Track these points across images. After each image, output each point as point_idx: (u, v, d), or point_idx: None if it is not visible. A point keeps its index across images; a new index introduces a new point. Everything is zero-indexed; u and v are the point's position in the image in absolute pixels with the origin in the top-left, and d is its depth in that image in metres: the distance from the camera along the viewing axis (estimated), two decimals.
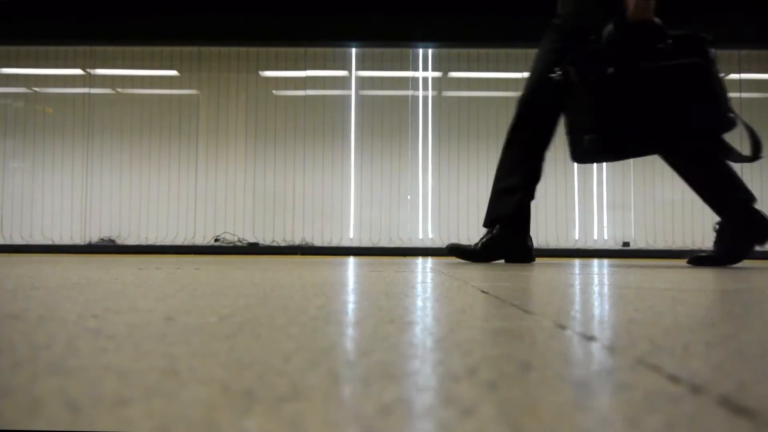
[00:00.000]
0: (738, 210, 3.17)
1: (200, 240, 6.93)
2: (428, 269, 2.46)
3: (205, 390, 0.41)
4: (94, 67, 7.21)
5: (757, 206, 3.14)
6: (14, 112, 7.20)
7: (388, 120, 7.06)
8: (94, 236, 6.95)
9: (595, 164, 6.81)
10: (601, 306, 1.03)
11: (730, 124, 2.73)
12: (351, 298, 1.14)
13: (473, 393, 0.42)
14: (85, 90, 7.19)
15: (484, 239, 3.47)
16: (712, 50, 2.78)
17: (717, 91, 2.69)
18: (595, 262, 4.12)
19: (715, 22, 6.64)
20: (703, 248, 6.60)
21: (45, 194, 7.09)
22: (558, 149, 6.87)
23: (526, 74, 7.19)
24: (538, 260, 3.72)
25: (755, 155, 2.88)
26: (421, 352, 0.57)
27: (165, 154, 7.09)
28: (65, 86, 7.19)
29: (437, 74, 7.09)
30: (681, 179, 3.41)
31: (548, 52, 3.41)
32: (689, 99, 2.69)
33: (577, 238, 6.83)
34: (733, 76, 6.94)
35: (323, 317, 0.83)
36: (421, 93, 7.09)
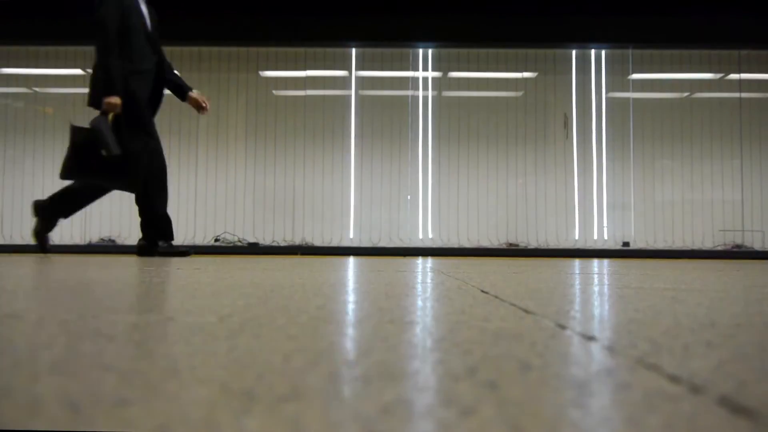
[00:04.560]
0: None
1: (200, 240, 6.92)
2: (428, 269, 2.46)
3: (205, 390, 0.41)
4: None
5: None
6: (14, 112, 7.20)
7: (388, 120, 7.06)
8: (94, 236, 6.94)
9: (594, 165, 6.83)
10: (601, 306, 1.03)
11: None
12: (351, 298, 1.14)
13: (473, 393, 0.42)
14: (85, 90, 7.18)
15: None
16: None
17: None
18: (595, 262, 4.12)
19: (716, 22, 6.64)
20: (703, 248, 6.61)
21: (45, 194, 7.07)
22: (558, 151, 6.87)
23: (526, 74, 7.18)
24: (538, 260, 3.71)
25: None
26: (421, 352, 0.57)
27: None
28: (65, 86, 7.19)
29: (437, 74, 7.09)
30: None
31: None
32: None
33: (577, 238, 6.82)
34: (733, 76, 6.94)
35: (323, 317, 0.83)
36: (421, 93, 7.09)
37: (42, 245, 4.31)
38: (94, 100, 4.11)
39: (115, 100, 3.94)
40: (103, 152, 3.84)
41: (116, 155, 3.86)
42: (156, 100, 4.37)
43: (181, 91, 4.53)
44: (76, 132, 4.02)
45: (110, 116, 3.97)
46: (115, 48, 3.97)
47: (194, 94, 4.53)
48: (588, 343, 0.65)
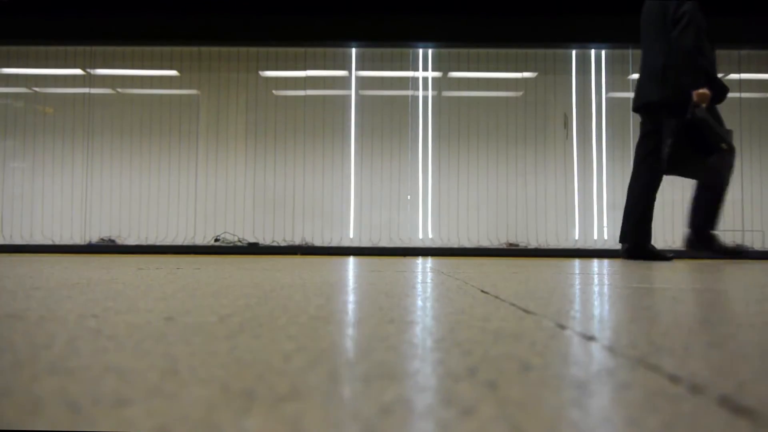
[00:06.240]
0: None
1: (200, 240, 6.93)
2: (428, 269, 2.46)
3: (205, 390, 0.41)
4: (94, 67, 7.21)
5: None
6: (14, 112, 7.20)
7: (388, 120, 7.06)
8: (94, 236, 6.95)
9: (594, 165, 6.84)
10: (601, 306, 1.03)
11: None
12: (351, 298, 1.14)
13: (473, 393, 0.42)
14: (85, 90, 7.19)
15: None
16: None
17: None
18: (595, 262, 4.12)
19: (715, 22, 6.63)
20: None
21: (45, 194, 7.08)
22: (558, 151, 6.87)
23: (526, 74, 7.19)
24: (538, 260, 3.72)
25: None
26: (422, 352, 0.57)
27: (165, 154, 7.09)
28: (65, 86, 7.19)
29: (437, 74, 7.08)
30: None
31: None
32: None
33: (577, 238, 6.82)
34: (733, 76, 6.94)
35: (323, 317, 0.83)
36: (421, 93, 7.09)
37: (726, 251, 4.22)
38: (673, 94, 4.06)
39: (706, 91, 3.92)
40: (723, 145, 3.80)
41: (721, 148, 3.81)
42: None
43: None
44: (680, 126, 3.95)
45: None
46: (703, 42, 4.07)
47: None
48: (588, 343, 0.64)
